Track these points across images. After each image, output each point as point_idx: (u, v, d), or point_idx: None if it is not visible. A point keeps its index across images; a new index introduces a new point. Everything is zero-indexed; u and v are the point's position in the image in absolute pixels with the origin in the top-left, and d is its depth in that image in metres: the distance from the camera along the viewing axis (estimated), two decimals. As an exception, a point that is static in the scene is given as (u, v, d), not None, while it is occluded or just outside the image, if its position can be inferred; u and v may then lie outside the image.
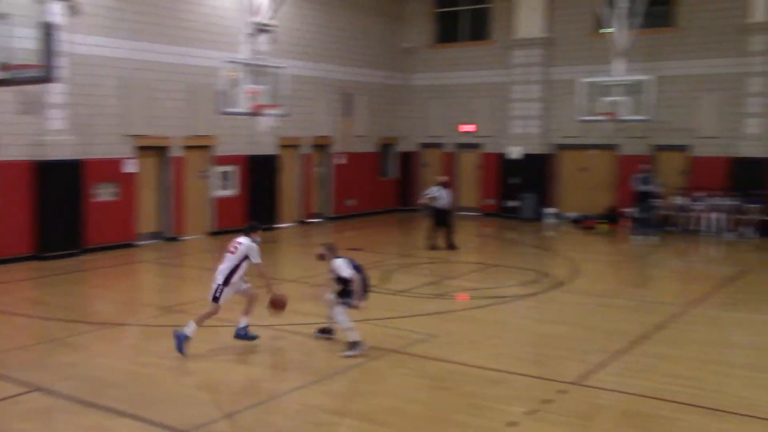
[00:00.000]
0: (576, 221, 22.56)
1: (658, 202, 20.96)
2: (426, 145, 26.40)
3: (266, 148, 20.64)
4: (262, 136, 20.25)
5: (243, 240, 9.16)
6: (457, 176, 25.22)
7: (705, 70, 21.38)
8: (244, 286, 9.32)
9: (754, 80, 20.66)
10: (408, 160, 26.58)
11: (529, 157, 23.91)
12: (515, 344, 10.09)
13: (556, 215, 23.57)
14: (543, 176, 23.92)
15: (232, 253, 9.08)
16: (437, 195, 17.54)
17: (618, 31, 20.81)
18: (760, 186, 20.47)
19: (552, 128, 23.80)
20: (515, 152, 24.14)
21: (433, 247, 17.17)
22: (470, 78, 25.11)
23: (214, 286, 9.07)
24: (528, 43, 23.73)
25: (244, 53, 18.29)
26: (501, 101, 24.50)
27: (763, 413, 7.25)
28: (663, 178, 21.49)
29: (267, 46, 19.56)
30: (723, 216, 20.55)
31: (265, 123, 19.65)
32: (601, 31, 21.83)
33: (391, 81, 25.89)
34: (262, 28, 19.35)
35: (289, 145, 21.71)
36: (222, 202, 19.77)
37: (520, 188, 23.95)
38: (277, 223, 20.98)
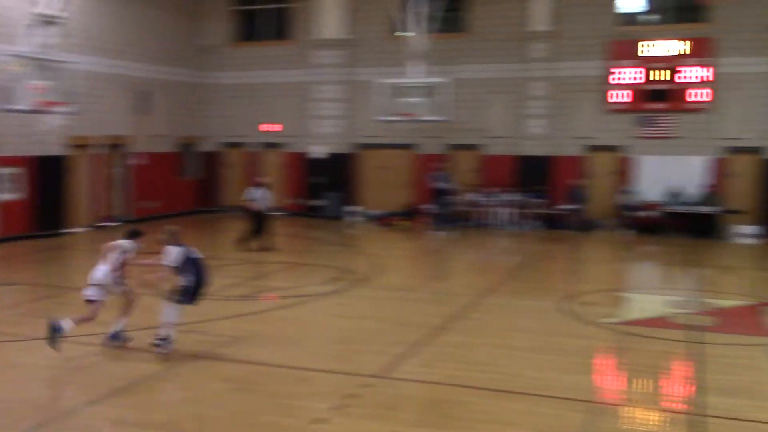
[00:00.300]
0: (378, 219, 23.23)
1: (454, 198, 22.11)
2: (228, 145, 25.98)
3: (53, 148, 19.32)
4: (48, 135, 18.91)
5: (122, 242, 9.18)
6: (261, 176, 25.01)
7: (494, 74, 22.80)
8: (121, 288, 9.21)
9: (535, 84, 22.35)
10: (210, 160, 26.01)
11: (332, 157, 24.27)
12: (321, 342, 10.20)
13: (360, 213, 24.12)
14: (346, 175, 24.37)
15: (110, 255, 9.07)
16: (256, 196, 17.33)
17: (415, 35, 21.66)
18: (543, 182, 22.21)
19: (354, 128, 24.30)
20: (319, 152, 24.41)
21: (248, 249, 16.91)
22: (273, 77, 25.03)
23: (91, 290, 8.99)
24: (329, 43, 24.06)
25: (28, 46, 16.97)
26: (304, 101, 24.65)
27: (550, 392, 7.85)
28: (458, 176, 22.67)
29: (55, 40, 18.27)
30: (511, 210, 22.07)
31: (51, 121, 18.34)
32: (399, 34, 22.60)
33: (192, 79, 25.21)
34: (49, 20, 18.05)
35: (80, 144, 20.46)
36: (5, 206, 18.24)
37: (324, 187, 24.25)
38: (66, 228, 19.69)
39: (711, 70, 20.72)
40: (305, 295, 12.63)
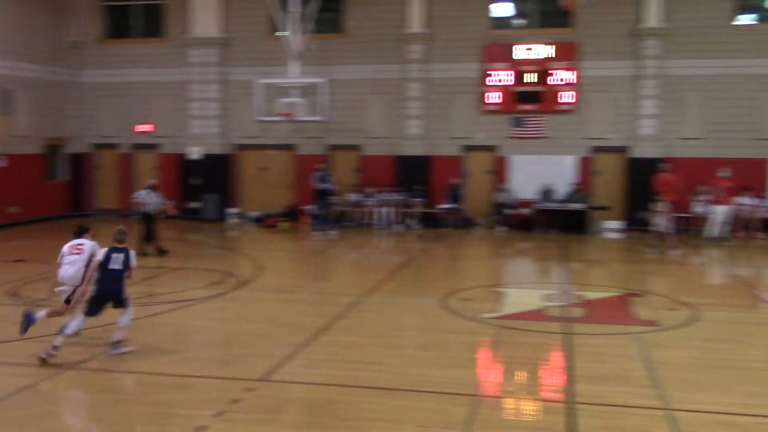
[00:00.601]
0: (258, 220, 22.94)
1: (334, 198, 22.14)
2: (99, 146, 24.94)
3: None
4: None
5: (84, 241, 9.46)
6: (136, 178, 24.15)
7: (372, 75, 22.99)
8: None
9: (413, 85, 22.72)
10: (79, 161, 24.88)
11: (209, 158, 23.76)
12: (203, 347, 9.96)
13: (239, 215, 23.74)
14: (224, 176, 23.92)
15: (78, 254, 9.28)
16: (146, 199, 16.68)
17: (292, 35, 21.52)
18: (422, 182, 22.61)
19: (232, 128, 23.89)
20: (195, 152, 23.83)
21: (145, 254, 16.12)
22: (146, 76, 24.21)
23: (68, 289, 9.21)
24: (204, 42, 23.53)
25: None
26: (179, 100, 24.00)
27: (434, 387, 7.98)
28: (338, 176, 22.72)
29: None
30: (391, 210, 22.34)
31: None
32: (277, 33, 22.40)
33: (58, 77, 24.01)
34: None
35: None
36: None
37: (202, 189, 23.71)
38: None
39: (575, 73, 21.74)
40: (187, 300, 12.29)
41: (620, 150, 21.92)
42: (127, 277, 9.14)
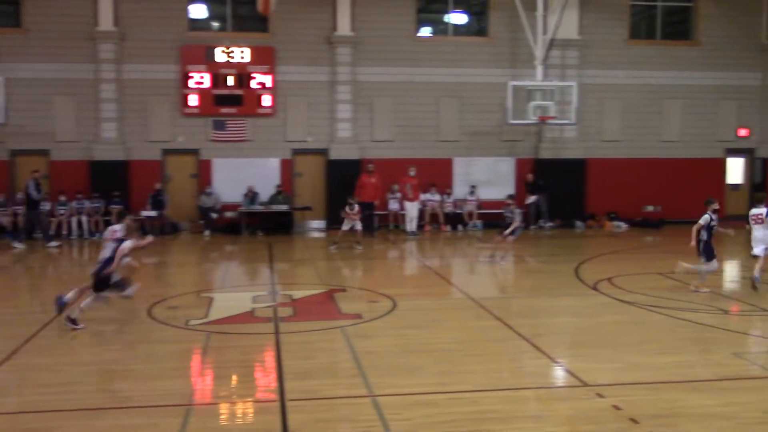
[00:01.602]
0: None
1: (38, 208, 19.86)
2: None
3: None
4: None
5: (117, 227, 11.08)
6: None
7: (58, 74, 21.35)
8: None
9: (106, 86, 21.50)
10: None
11: None
12: None
13: None
14: None
15: (112, 239, 10.79)
16: None
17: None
18: (120, 188, 21.47)
19: None
20: None
21: None
22: None
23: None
24: None
25: None
26: None
27: (141, 402, 7.61)
28: (22, 184, 20.72)
29: None
30: (88, 218, 20.91)
31: None
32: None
33: None
34: None
35: None
36: None
37: None
38: None
39: (273, 77, 22.14)
40: None
41: (320, 152, 22.75)
42: None
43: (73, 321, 10.46)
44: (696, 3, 24.38)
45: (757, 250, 13.29)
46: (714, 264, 13.42)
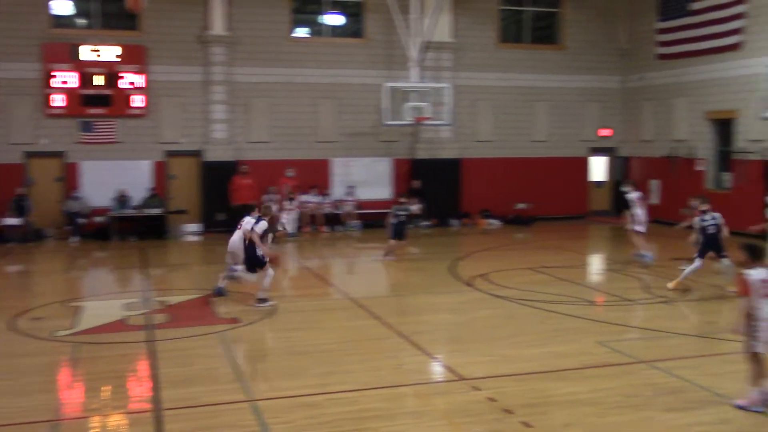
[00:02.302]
0: None
1: None
2: None
3: None
4: None
5: (247, 218, 12.26)
6: None
7: None
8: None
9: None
10: None
11: None
12: None
13: None
14: None
15: (239, 229, 12.32)
16: None
17: None
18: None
19: None
20: None
21: None
22: None
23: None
24: None
25: None
26: None
27: (5, 420, 7.20)
28: None
29: None
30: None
31: None
32: None
33: None
34: None
35: None
36: None
37: None
38: None
39: (144, 77, 21.44)
40: None
41: (194, 154, 22.23)
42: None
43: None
44: (561, 9, 25.51)
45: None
46: (697, 263, 13.32)
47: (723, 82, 21.52)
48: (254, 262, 12.20)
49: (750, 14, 20.49)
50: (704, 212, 13.37)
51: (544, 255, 16.90)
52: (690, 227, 14.00)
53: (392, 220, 17.06)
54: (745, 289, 7.32)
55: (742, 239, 9.95)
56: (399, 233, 17.02)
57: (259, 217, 12.46)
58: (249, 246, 12.17)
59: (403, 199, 17.53)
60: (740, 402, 7.45)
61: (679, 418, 7.26)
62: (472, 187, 24.19)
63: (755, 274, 7.35)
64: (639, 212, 16.31)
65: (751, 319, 7.33)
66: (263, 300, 12.22)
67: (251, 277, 12.35)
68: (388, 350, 9.85)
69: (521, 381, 8.35)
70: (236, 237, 12.66)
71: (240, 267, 12.47)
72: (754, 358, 7.40)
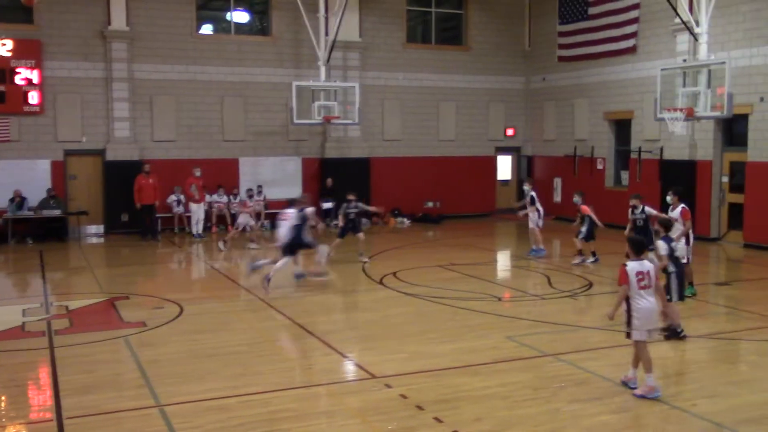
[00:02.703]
0: None
1: None
2: None
3: None
4: None
5: (291, 210, 13.63)
6: None
7: None
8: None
9: None
10: None
11: None
12: None
13: None
14: None
15: (285, 220, 13.59)
16: None
17: None
18: None
19: None
20: None
21: None
22: None
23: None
24: None
25: None
26: None
27: None
28: None
29: None
30: None
31: None
32: None
33: None
34: None
35: None
36: None
37: None
38: None
39: (39, 72, 20.53)
40: None
41: (96, 153, 21.48)
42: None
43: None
44: (466, 11, 25.96)
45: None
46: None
47: (620, 84, 22.41)
48: (300, 246, 13.66)
49: (643, 19, 21.40)
50: (635, 207, 14.28)
51: (453, 252, 17.14)
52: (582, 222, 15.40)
53: (342, 219, 16.78)
54: (623, 279, 7.77)
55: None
56: (354, 229, 16.81)
57: (302, 207, 13.74)
58: (296, 233, 13.42)
59: (351, 196, 17.04)
60: (638, 392, 7.80)
61: (584, 409, 7.49)
62: (381, 186, 24.31)
63: (632, 265, 7.82)
64: (540, 209, 17.03)
65: (628, 308, 7.81)
66: (320, 274, 14.38)
67: (286, 262, 13.48)
68: (300, 350, 9.79)
69: (432, 377, 8.44)
70: (283, 229, 13.68)
71: (263, 261, 14.06)
72: (640, 346, 7.83)
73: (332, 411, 7.59)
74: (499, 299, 13.05)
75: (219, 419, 7.18)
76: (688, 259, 12.38)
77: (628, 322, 7.85)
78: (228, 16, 23.40)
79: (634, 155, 21.82)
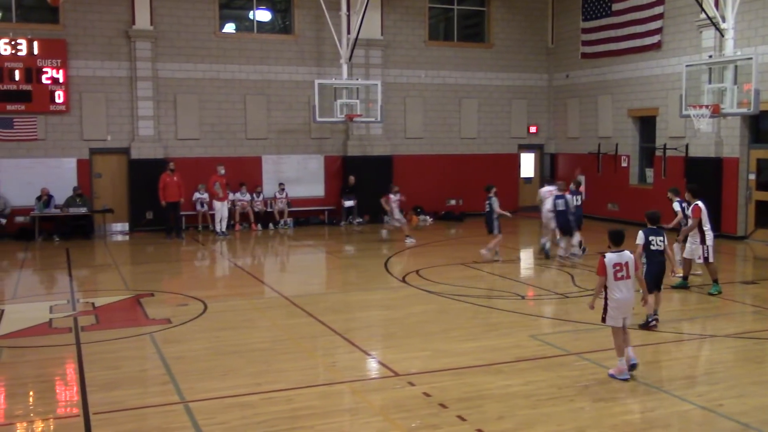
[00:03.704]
0: None
1: None
2: None
3: None
4: None
5: (546, 188, 16.02)
6: None
7: None
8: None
9: None
10: None
11: None
12: None
13: None
14: None
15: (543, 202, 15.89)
16: None
17: None
18: None
19: None
20: None
21: None
22: None
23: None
24: None
25: None
26: None
27: None
28: None
29: None
30: None
31: None
32: None
33: None
34: None
35: None
36: None
37: None
38: None
39: (65, 72, 20.76)
40: None
41: (121, 151, 21.69)
42: None
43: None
44: (489, 8, 25.86)
45: None
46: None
47: (644, 81, 22.20)
48: (575, 223, 15.75)
49: (668, 15, 21.19)
50: (671, 201, 13.92)
51: (475, 250, 17.09)
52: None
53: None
54: (602, 270, 8.29)
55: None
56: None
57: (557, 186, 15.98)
58: (560, 212, 15.69)
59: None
60: (611, 371, 8.31)
61: (608, 408, 7.45)
62: (403, 184, 24.24)
63: (610, 257, 8.28)
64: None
65: (605, 297, 8.35)
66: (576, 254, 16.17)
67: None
68: (323, 348, 9.82)
69: (456, 375, 8.43)
70: (545, 210, 15.89)
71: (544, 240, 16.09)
72: (616, 331, 8.37)
73: (355, 408, 7.61)
74: (523, 297, 12.99)
75: (243, 416, 7.22)
76: (707, 257, 12.39)
77: (605, 309, 8.38)
78: (251, 14, 23.50)
79: (658, 152, 21.62)
